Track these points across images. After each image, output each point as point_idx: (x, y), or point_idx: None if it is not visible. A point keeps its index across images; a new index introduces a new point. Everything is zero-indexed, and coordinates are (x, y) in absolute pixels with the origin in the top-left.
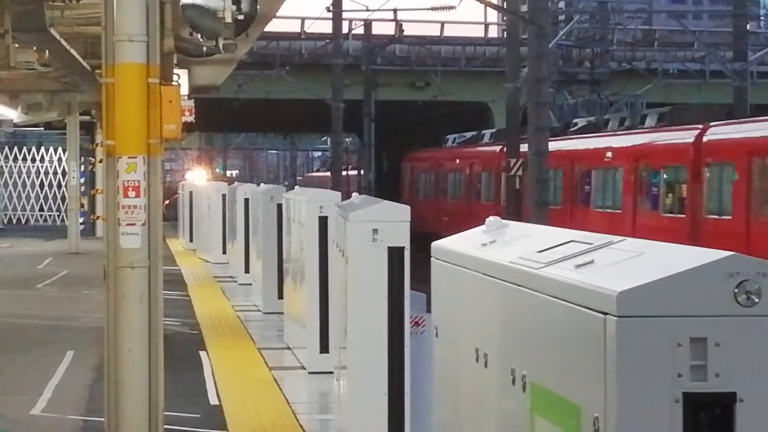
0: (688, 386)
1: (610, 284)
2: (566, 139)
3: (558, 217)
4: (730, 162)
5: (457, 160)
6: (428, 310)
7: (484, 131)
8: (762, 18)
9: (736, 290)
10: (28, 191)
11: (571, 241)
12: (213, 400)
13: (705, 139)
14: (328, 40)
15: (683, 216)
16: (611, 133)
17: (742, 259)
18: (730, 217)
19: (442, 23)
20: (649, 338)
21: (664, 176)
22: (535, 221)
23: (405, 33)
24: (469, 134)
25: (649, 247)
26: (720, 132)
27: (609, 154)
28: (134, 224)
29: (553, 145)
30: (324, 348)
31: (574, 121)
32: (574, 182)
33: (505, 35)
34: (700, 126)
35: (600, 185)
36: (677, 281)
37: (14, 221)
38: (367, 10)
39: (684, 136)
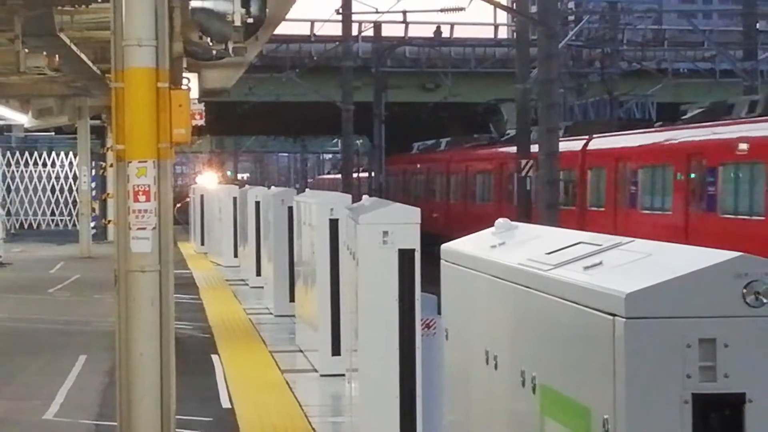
0: (697, 387)
1: (619, 286)
2: (498, 147)
3: (491, 210)
4: (603, 166)
5: (418, 165)
6: (439, 312)
7: (441, 139)
8: None
9: (744, 291)
10: (40, 196)
11: (579, 243)
12: (225, 404)
13: (588, 148)
14: (337, 43)
15: (574, 208)
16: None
17: (750, 259)
18: (603, 209)
19: (452, 25)
20: (658, 339)
21: (562, 177)
22: (546, 223)
23: (413, 35)
24: (429, 142)
25: (658, 248)
26: (598, 142)
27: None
28: (145, 228)
29: (487, 152)
30: (336, 350)
31: (507, 131)
32: (502, 182)
33: (514, 36)
34: (587, 137)
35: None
36: (685, 282)
37: (26, 226)
38: (377, 12)
39: (576, 145)
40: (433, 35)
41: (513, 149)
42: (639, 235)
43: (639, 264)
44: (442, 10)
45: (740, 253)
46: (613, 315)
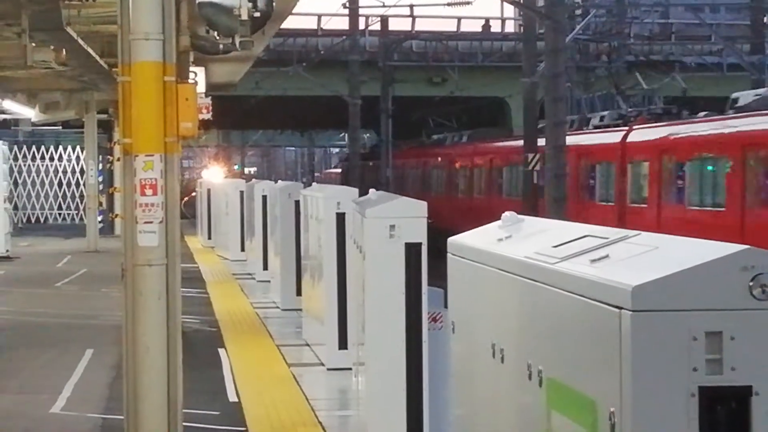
0: (703, 380)
1: (625, 279)
2: (424, 148)
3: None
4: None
5: (370, 162)
6: (446, 306)
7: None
8: None
9: (751, 284)
10: (47, 190)
11: (586, 236)
12: (232, 398)
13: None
14: (344, 37)
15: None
16: (452, 144)
17: (757, 252)
18: (483, 196)
19: (459, 18)
20: (664, 332)
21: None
22: (553, 216)
23: (420, 29)
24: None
25: (664, 241)
26: (480, 146)
27: (439, 158)
28: (151, 222)
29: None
30: (342, 344)
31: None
32: (423, 176)
33: (521, 30)
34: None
35: (438, 178)
36: (692, 275)
37: (33, 220)
38: (384, 6)
39: (465, 151)
40: (481, 29)
41: (433, 150)
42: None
43: (645, 257)
44: (449, 4)
45: (747, 246)
46: (620, 308)
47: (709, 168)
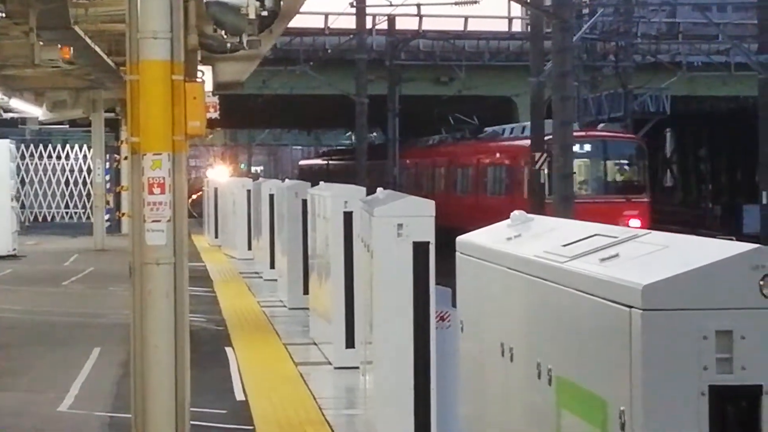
0: (714, 379)
1: (635, 278)
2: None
3: None
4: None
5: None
6: (454, 305)
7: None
8: None
9: (761, 282)
10: (54, 189)
11: (595, 235)
12: (239, 396)
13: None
14: (351, 36)
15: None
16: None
17: (767, 251)
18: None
19: (466, 18)
20: (675, 331)
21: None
22: (561, 215)
23: (427, 28)
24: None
25: (674, 240)
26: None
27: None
28: (159, 221)
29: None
30: (350, 343)
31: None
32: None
33: (529, 29)
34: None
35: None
36: (702, 274)
37: (40, 219)
38: (391, 5)
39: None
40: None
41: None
42: None
43: (655, 256)
44: (456, 3)
45: (758, 245)
46: (630, 307)
47: (464, 171)
